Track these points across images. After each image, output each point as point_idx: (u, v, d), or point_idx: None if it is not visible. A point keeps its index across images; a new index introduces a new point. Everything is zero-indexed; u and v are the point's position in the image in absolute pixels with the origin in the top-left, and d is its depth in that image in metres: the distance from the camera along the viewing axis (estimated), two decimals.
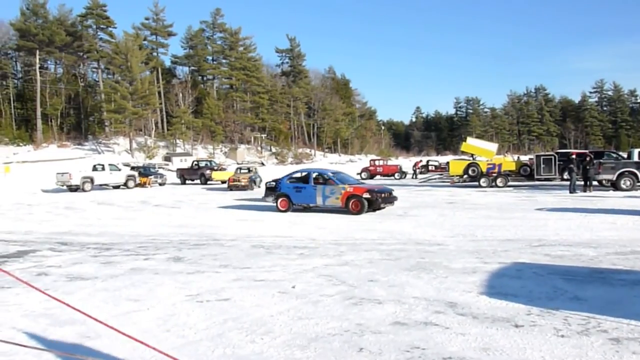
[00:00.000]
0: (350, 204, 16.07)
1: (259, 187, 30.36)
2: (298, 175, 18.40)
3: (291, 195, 17.26)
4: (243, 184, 30.26)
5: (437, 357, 4.41)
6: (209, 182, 37.27)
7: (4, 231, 14.17)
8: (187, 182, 38.85)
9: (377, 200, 16.06)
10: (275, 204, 17.64)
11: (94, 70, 75.46)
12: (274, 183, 18.06)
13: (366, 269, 8.01)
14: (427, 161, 51.43)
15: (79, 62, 71.31)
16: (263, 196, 18.58)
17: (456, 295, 6.37)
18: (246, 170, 32.69)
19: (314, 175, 17.52)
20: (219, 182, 36.84)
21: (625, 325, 5.10)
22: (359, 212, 15.90)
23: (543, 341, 4.73)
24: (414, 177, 42.26)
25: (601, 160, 23.36)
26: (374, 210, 16.44)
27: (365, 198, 15.96)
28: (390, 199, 16.72)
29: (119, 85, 61.28)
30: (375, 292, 6.60)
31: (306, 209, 17.53)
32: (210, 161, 43.83)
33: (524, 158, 41.02)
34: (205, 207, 20.52)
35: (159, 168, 47.24)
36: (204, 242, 11.44)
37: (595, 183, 22.97)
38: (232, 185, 30.36)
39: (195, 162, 41.25)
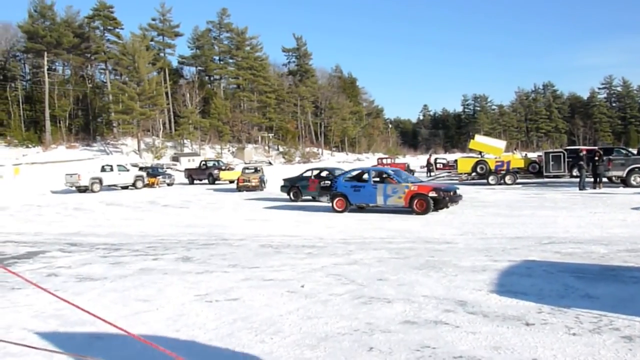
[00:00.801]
0: (415, 203, 15.22)
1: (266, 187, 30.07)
2: (354, 173, 17.55)
3: (349, 194, 16.44)
4: (253, 184, 29.05)
5: (447, 356, 4.38)
6: (216, 182, 37.33)
7: (14, 232, 14.26)
8: (195, 182, 38.93)
9: (444, 199, 15.17)
10: (330, 204, 16.87)
11: (101, 71, 75.87)
12: (329, 182, 17.30)
13: (375, 268, 7.98)
14: (435, 159, 51.27)
15: (87, 63, 71.68)
16: (316, 196, 17.72)
17: (466, 293, 6.33)
18: (252, 170, 31.55)
19: (374, 173, 16.73)
20: (227, 182, 36.90)
21: (637, 323, 5.04)
22: (424, 212, 15.08)
23: (554, 339, 4.68)
24: (428, 174, 42.03)
25: (611, 157, 23.18)
26: (437, 209, 15.52)
27: (432, 197, 15.09)
28: (455, 197, 15.72)
29: (127, 86, 61.53)
30: (385, 291, 6.57)
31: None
32: (218, 161, 43.91)
33: (532, 155, 40.81)
34: (213, 207, 20.56)
35: (167, 168, 47.39)
36: (213, 241, 11.45)
37: (604, 180, 22.80)
38: (242, 186, 29.03)
39: (203, 162, 41.34)
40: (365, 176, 16.90)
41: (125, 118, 61.06)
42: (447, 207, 15.57)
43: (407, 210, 15.57)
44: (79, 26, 67.92)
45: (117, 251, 10.53)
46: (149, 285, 7.32)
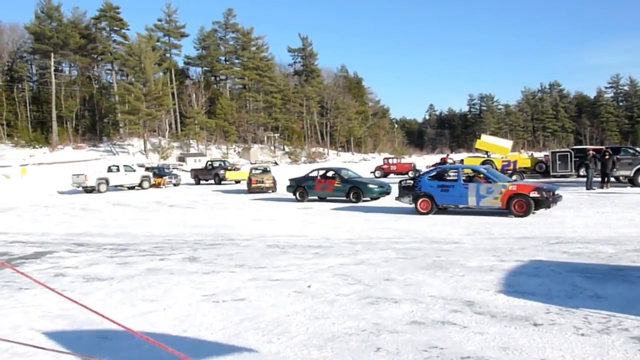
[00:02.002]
0: (513, 204, 13.94)
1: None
2: (439, 171, 16.30)
3: (435, 195, 15.17)
4: (267, 185, 27.34)
5: (455, 357, 4.36)
6: (223, 182, 37.38)
7: (22, 232, 14.32)
8: (201, 182, 39.01)
9: (547, 199, 13.82)
10: (413, 206, 15.61)
11: (108, 72, 76.26)
12: (411, 182, 16.08)
13: (382, 268, 7.96)
14: (441, 159, 51.15)
15: (93, 64, 72.09)
16: (397, 196, 16.35)
17: (473, 293, 6.31)
18: (261, 170, 30.20)
19: (463, 171, 15.55)
20: (233, 182, 36.95)
21: None
22: (524, 214, 13.78)
23: (563, 340, 4.65)
24: None
25: (618, 156, 23.05)
26: (535, 211, 14.10)
27: (533, 197, 13.77)
28: (557, 197, 14.32)
29: (133, 87, 61.79)
30: (392, 291, 6.55)
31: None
32: (223, 161, 44.00)
33: (538, 155, 40.65)
34: (219, 207, 20.58)
35: (173, 169, 47.56)
36: (219, 242, 11.46)
37: (612, 179, 22.68)
38: (256, 187, 27.26)
39: (209, 162, 41.43)
40: (453, 175, 15.77)
41: (132, 118, 61.29)
42: (549, 207, 14.29)
43: (503, 212, 14.29)
44: (85, 27, 68.31)
45: (124, 251, 10.55)
46: (156, 286, 7.33)
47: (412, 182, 16.04)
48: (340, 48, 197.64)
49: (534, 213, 13.98)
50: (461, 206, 14.94)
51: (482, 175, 15.04)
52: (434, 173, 16.01)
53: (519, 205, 13.94)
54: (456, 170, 15.80)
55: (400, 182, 16.60)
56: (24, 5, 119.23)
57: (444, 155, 50.81)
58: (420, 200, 15.41)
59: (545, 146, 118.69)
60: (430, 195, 15.28)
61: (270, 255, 9.55)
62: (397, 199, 16.29)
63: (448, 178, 15.76)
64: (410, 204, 15.74)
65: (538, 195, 13.80)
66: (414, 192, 15.61)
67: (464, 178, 15.06)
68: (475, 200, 14.50)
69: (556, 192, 14.39)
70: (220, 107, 73.49)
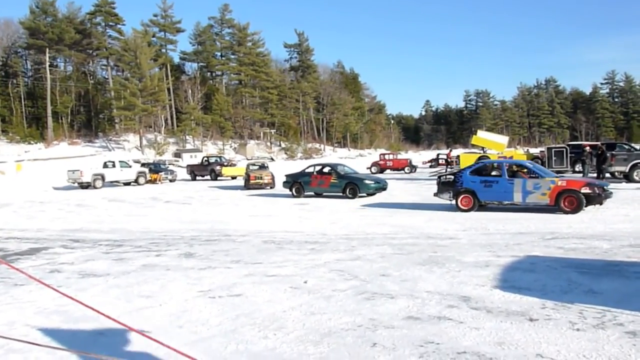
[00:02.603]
0: (562, 201, 13.39)
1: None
2: (482, 167, 15.77)
3: (478, 191, 14.59)
4: (266, 181, 27.08)
5: (451, 352, 4.37)
6: (219, 178, 37.36)
7: (17, 228, 14.28)
8: (197, 178, 38.99)
9: (599, 196, 13.30)
10: (453, 202, 15.08)
11: (103, 67, 75.94)
12: (451, 177, 15.43)
13: (378, 264, 7.97)
14: (438, 155, 51.23)
15: (89, 59, 71.72)
16: (436, 192, 15.83)
17: (469, 289, 6.32)
18: (258, 166, 30.08)
19: (507, 166, 14.94)
20: (229, 178, 36.93)
21: None
22: (574, 211, 13.21)
23: (558, 335, 4.67)
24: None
25: (613, 152, 23.13)
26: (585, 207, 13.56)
27: (584, 193, 13.21)
28: (608, 193, 13.80)
29: (129, 82, 61.53)
30: (388, 287, 6.56)
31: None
32: (220, 157, 43.98)
33: (534, 151, 40.74)
34: (215, 202, 20.57)
35: (169, 164, 47.50)
36: (215, 237, 11.45)
37: (607, 175, 22.75)
38: (254, 184, 26.88)
39: (205, 158, 41.41)
40: (497, 169, 15.19)
41: (127, 114, 61.11)
42: (601, 204, 13.77)
43: (551, 208, 13.75)
44: (80, 22, 67.91)
45: (120, 247, 10.54)
46: (152, 282, 7.32)
47: (452, 177, 15.42)
48: (337, 44, 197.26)
49: (583, 210, 13.47)
50: (505, 202, 14.47)
51: (525, 170, 14.66)
52: (475, 168, 15.52)
53: (568, 201, 13.42)
54: (500, 165, 15.24)
55: (439, 177, 16.18)
56: (19, 1, 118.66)
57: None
58: (462, 196, 14.87)
59: (541, 142, 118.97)
60: (472, 191, 14.72)
61: (267, 251, 9.55)
62: (435, 195, 15.78)
63: (491, 173, 15.22)
64: (450, 200, 15.22)
65: (590, 192, 13.30)
66: (455, 188, 15.03)
67: (515, 173, 14.65)
68: (522, 196, 14.00)
69: (607, 188, 13.90)
70: (216, 103, 73.30)
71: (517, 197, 14.07)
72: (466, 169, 15.70)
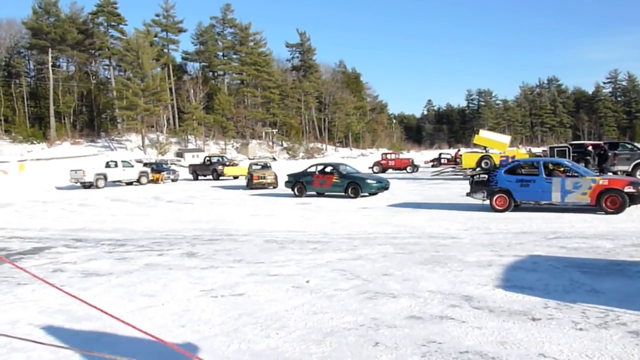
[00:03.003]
0: (604, 200, 12.91)
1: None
2: (517, 165, 15.15)
3: (514, 190, 14.06)
4: (269, 181, 26.82)
5: (453, 351, 4.37)
6: (221, 178, 37.37)
7: (20, 228, 14.30)
8: (199, 177, 39.00)
9: None
10: (488, 203, 14.56)
11: (105, 67, 75.89)
12: (485, 176, 14.90)
13: (380, 263, 7.97)
14: (440, 154, 51.19)
15: (91, 59, 71.77)
16: (468, 192, 15.34)
17: (472, 288, 6.32)
18: (260, 166, 30.00)
19: (545, 165, 14.31)
20: (231, 178, 36.94)
21: None
22: (616, 211, 12.74)
23: (561, 334, 4.67)
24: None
25: (616, 152, 23.08)
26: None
27: (627, 193, 12.70)
28: None
29: (131, 82, 61.53)
30: (390, 286, 6.56)
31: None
32: (222, 157, 43.97)
33: (536, 150, 40.69)
34: (218, 202, 20.58)
35: (171, 164, 47.51)
36: (218, 237, 11.46)
37: (609, 174, 22.70)
38: (257, 184, 26.60)
39: (207, 158, 41.42)
40: (533, 168, 14.63)
41: (130, 114, 61.15)
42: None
43: (592, 208, 13.30)
44: (82, 22, 67.95)
45: (123, 247, 10.55)
46: (154, 281, 7.33)
47: (486, 176, 14.91)
48: (339, 43, 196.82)
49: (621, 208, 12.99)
50: (543, 202, 13.97)
51: (562, 169, 14.25)
52: (510, 167, 14.99)
53: (611, 201, 12.93)
54: (536, 164, 14.65)
55: (472, 176, 15.70)
56: (22, 1, 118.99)
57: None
58: (497, 196, 14.36)
59: (544, 141, 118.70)
60: (507, 190, 14.20)
61: (269, 250, 9.56)
62: (468, 194, 15.33)
63: (527, 172, 14.66)
64: (484, 200, 14.73)
65: (633, 191, 12.80)
66: (489, 187, 14.54)
67: (552, 171, 14.18)
68: (560, 196, 13.49)
69: None
70: (218, 103, 73.29)
71: (556, 197, 13.57)
72: (500, 168, 15.21)
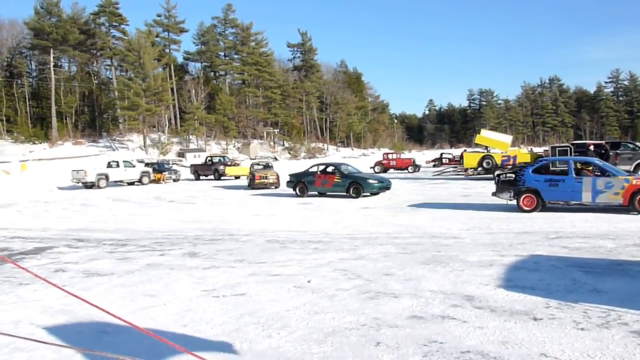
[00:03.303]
0: (638, 201, 12.64)
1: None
2: (545, 164, 14.90)
3: (542, 190, 13.72)
4: (271, 181, 26.74)
5: (455, 351, 4.37)
6: (222, 178, 37.39)
7: (22, 228, 14.32)
8: (201, 177, 39.01)
9: None
10: (514, 203, 14.30)
11: (107, 67, 75.94)
12: (512, 175, 14.56)
13: (382, 263, 7.97)
14: (441, 154, 51.13)
15: (93, 59, 71.82)
16: (494, 192, 14.96)
17: (473, 288, 6.32)
18: (262, 166, 29.95)
19: (574, 164, 13.99)
20: (233, 178, 36.96)
21: None
22: None
23: (563, 334, 4.67)
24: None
25: (618, 151, 23.07)
26: None
27: None
28: None
29: (132, 82, 61.57)
30: (392, 286, 6.56)
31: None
32: (223, 156, 43.98)
33: (538, 150, 40.64)
34: (219, 202, 20.59)
35: (172, 164, 47.54)
36: (219, 237, 11.47)
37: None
38: (259, 184, 26.47)
39: (209, 158, 41.44)
40: (562, 167, 14.27)
41: (131, 114, 61.21)
42: None
43: (623, 208, 13.00)
44: (84, 23, 68.05)
45: (124, 247, 10.56)
46: (156, 281, 7.34)
47: (513, 176, 14.55)
48: (340, 43, 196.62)
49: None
50: (573, 202, 13.60)
51: (591, 168, 13.92)
52: (538, 166, 14.59)
53: None
54: (566, 163, 14.27)
55: (499, 175, 15.27)
56: (23, 1, 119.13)
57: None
58: (524, 196, 14.03)
59: (545, 141, 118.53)
60: (535, 190, 13.87)
61: (270, 250, 9.56)
62: (494, 194, 14.94)
63: (556, 171, 14.39)
64: (511, 200, 14.41)
65: None
66: (516, 187, 14.19)
67: (582, 171, 13.90)
68: (591, 195, 13.13)
69: None
70: (219, 103, 73.31)
71: (586, 197, 13.23)
72: (528, 167, 14.82)
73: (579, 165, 14.12)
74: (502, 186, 14.58)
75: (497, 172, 16.77)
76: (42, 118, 64.82)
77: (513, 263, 7.66)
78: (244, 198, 22.13)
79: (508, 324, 4.97)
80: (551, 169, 14.61)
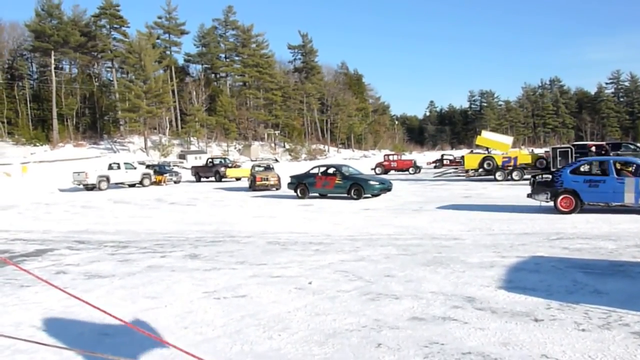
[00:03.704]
0: None
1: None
2: (584, 164, 14.35)
3: (581, 191, 13.29)
4: (272, 183, 26.80)
5: (456, 352, 4.37)
6: (223, 180, 37.41)
7: (23, 230, 14.34)
8: (202, 179, 39.06)
9: None
10: (551, 204, 13.92)
11: (108, 69, 76.09)
12: (549, 176, 14.34)
13: (382, 265, 7.97)
14: (442, 155, 51.15)
15: (93, 62, 71.96)
16: (530, 193, 14.51)
17: (474, 289, 6.32)
18: (263, 168, 29.90)
19: (614, 164, 13.47)
20: (234, 179, 36.98)
21: None
22: None
23: (564, 335, 4.66)
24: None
25: (619, 152, 23.05)
26: None
27: None
28: None
29: (133, 84, 61.69)
30: (392, 288, 6.56)
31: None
32: (224, 158, 44.01)
33: (539, 151, 40.62)
34: (220, 204, 20.60)
35: (173, 166, 47.58)
36: (220, 239, 11.47)
37: None
38: (260, 185, 26.57)
39: (210, 160, 41.47)
40: (602, 168, 13.82)
41: (132, 116, 61.29)
42: None
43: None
44: (85, 25, 68.17)
45: (125, 249, 10.57)
46: (157, 283, 7.34)
47: (550, 176, 14.25)
48: (341, 45, 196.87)
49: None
50: (614, 204, 13.12)
51: (630, 169, 13.47)
52: (576, 166, 14.12)
53: None
54: (606, 163, 13.73)
55: (534, 176, 14.96)
56: (25, 3, 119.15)
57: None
58: (562, 197, 13.58)
59: (546, 142, 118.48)
60: (574, 191, 13.43)
61: (271, 252, 9.56)
62: (529, 196, 14.50)
63: (596, 172, 13.94)
64: (548, 201, 13.98)
65: None
66: (554, 188, 13.75)
67: (623, 171, 13.47)
68: (635, 197, 12.70)
69: None
70: (220, 105, 73.40)
71: (629, 198, 12.78)
72: (566, 167, 14.34)
73: (618, 165, 13.66)
74: (539, 187, 14.22)
75: (532, 174, 16.10)
76: (43, 120, 64.94)
77: (514, 264, 7.65)
78: (245, 200, 22.14)
79: (509, 325, 4.97)
80: (589, 169, 14.17)
